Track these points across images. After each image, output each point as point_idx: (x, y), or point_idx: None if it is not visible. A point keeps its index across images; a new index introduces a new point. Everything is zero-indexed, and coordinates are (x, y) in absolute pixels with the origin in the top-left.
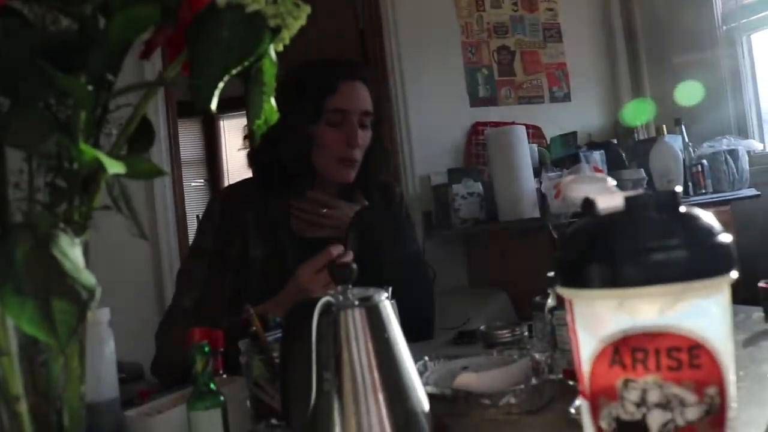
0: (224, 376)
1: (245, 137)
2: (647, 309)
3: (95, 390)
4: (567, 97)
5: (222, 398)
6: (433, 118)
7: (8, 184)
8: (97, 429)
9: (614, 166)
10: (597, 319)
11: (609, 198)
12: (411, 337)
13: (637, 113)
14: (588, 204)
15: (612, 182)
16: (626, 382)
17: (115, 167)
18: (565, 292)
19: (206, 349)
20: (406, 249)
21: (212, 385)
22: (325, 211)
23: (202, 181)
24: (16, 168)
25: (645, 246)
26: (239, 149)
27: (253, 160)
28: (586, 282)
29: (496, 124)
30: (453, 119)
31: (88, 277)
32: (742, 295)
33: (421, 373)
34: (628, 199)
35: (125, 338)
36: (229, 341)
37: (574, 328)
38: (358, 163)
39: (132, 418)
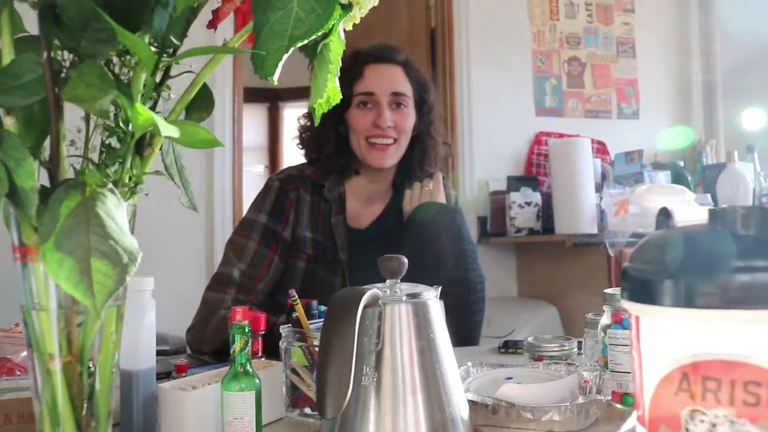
0: (263, 359)
1: (298, 129)
2: (725, 334)
3: (132, 358)
4: (635, 115)
5: (258, 381)
6: (496, 123)
7: (64, 139)
8: (130, 396)
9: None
10: (666, 339)
11: (688, 210)
12: (456, 340)
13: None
14: (665, 215)
15: (691, 195)
16: (693, 414)
17: (168, 130)
18: (632, 307)
19: (246, 329)
20: (461, 249)
21: (249, 367)
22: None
23: (262, 167)
24: (74, 126)
25: (729, 264)
26: (293, 138)
27: (302, 143)
28: (657, 298)
29: (560, 136)
30: (517, 127)
31: (131, 241)
32: None
33: (463, 379)
34: (712, 212)
35: (173, 312)
36: (271, 325)
37: (638, 347)
38: (395, 149)
39: (165, 391)
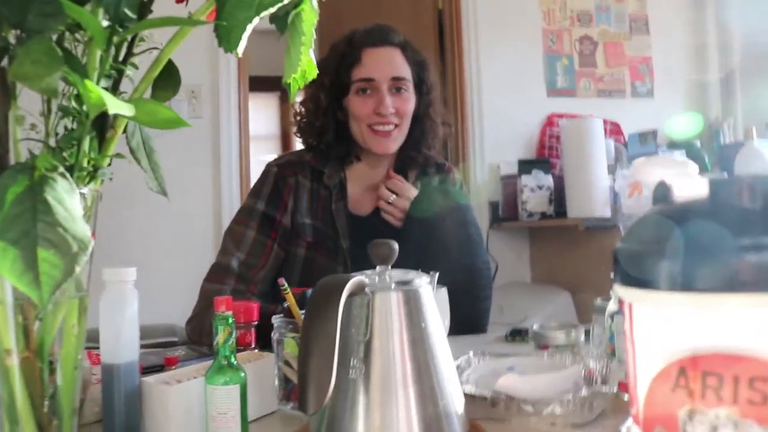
0: (255, 350)
1: (293, 115)
2: (729, 323)
3: (113, 351)
4: (650, 93)
5: (243, 374)
6: (507, 105)
7: (20, 122)
8: (111, 391)
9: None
10: (662, 329)
11: (688, 183)
12: (463, 328)
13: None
14: (663, 189)
15: (694, 168)
16: (691, 413)
17: (118, 108)
18: (625, 293)
19: (230, 320)
20: (466, 234)
21: (233, 360)
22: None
23: (274, 156)
24: (40, 110)
25: (733, 242)
26: (291, 122)
27: (299, 131)
28: (652, 282)
29: (573, 117)
30: (527, 108)
31: (82, 229)
32: None
33: (462, 369)
34: (713, 183)
35: (180, 303)
36: (265, 315)
37: (631, 338)
38: (398, 133)
39: (148, 385)
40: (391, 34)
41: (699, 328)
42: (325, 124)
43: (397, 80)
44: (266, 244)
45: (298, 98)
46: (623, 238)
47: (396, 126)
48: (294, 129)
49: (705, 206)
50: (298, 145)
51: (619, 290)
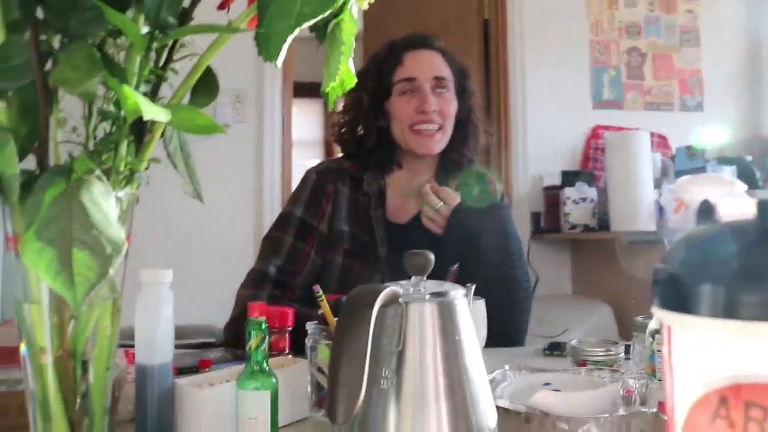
0: (290, 356)
1: (333, 125)
2: None
3: (147, 352)
4: (699, 107)
5: (274, 380)
6: (551, 116)
7: (56, 124)
8: (144, 392)
9: (746, 185)
10: (702, 355)
11: (734, 203)
12: (500, 341)
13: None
14: (707, 208)
15: (741, 187)
16: None
17: (153, 113)
18: (664, 316)
19: (263, 326)
20: (506, 246)
21: (265, 365)
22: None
23: (316, 161)
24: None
25: None
26: (331, 132)
27: (339, 139)
28: (692, 306)
29: (619, 129)
30: (573, 120)
31: (116, 232)
32: None
33: (498, 383)
34: (761, 204)
35: (219, 305)
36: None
37: (670, 363)
38: (441, 135)
39: (181, 387)
40: (431, 38)
41: (742, 356)
42: (367, 130)
43: (439, 80)
44: (304, 251)
45: (338, 108)
46: (663, 258)
47: (439, 128)
48: (334, 138)
49: (751, 228)
50: (340, 151)
51: (658, 313)
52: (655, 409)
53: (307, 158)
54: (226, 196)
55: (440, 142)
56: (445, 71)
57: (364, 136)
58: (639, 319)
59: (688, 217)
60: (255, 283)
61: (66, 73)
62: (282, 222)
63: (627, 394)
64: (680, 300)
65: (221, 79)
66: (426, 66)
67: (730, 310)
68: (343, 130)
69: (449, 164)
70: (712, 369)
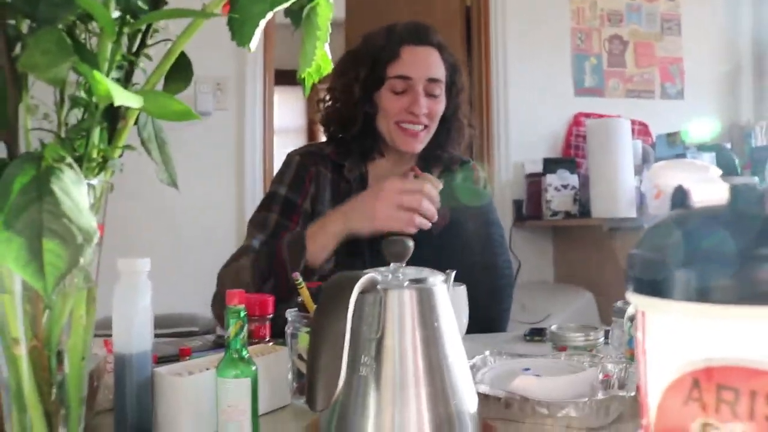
0: (270, 343)
1: (317, 102)
2: (746, 335)
3: (125, 342)
4: (680, 95)
5: (254, 368)
6: (533, 103)
7: (26, 111)
8: (123, 381)
9: (725, 172)
10: (675, 338)
11: (709, 188)
12: (482, 328)
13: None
14: (681, 194)
15: (716, 171)
16: (705, 427)
17: (124, 99)
18: (637, 300)
19: (242, 314)
20: (488, 233)
21: (245, 353)
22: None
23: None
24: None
25: (752, 252)
26: (315, 109)
27: (325, 120)
28: (665, 290)
29: (600, 117)
30: (554, 107)
31: (88, 220)
32: None
33: (478, 368)
34: (734, 189)
35: (202, 293)
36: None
37: (643, 347)
38: (425, 134)
39: (160, 376)
40: (430, 33)
41: (714, 339)
42: (354, 116)
43: (432, 81)
44: (288, 228)
45: (324, 84)
46: (637, 243)
47: (425, 127)
48: (318, 116)
49: (723, 213)
50: (323, 137)
51: (632, 298)
52: (633, 393)
53: (289, 146)
54: (208, 184)
55: (423, 141)
56: (440, 71)
57: (350, 122)
58: (618, 304)
59: (667, 204)
60: (237, 256)
61: (35, 59)
62: (267, 201)
63: (606, 379)
64: (653, 285)
65: (202, 67)
66: (422, 66)
67: (702, 294)
68: (329, 111)
69: (430, 158)
70: (685, 353)
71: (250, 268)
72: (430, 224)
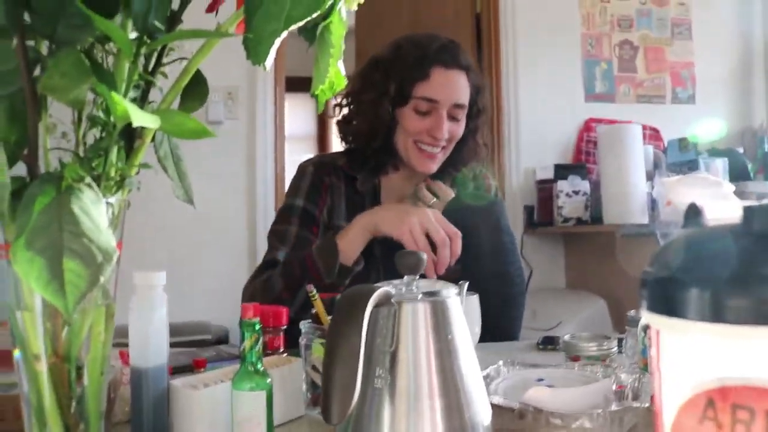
0: (284, 354)
1: (335, 106)
2: (762, 356)
3: (142, 355)
4: (691, 100)
5: (269, 381)
6: (544, 109)
7: (46, 131)
8: (140, 394)
9: (737, 177)
10: (690, 358)
11: (722, 206)
12: (494, 336)
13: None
14: (694, 211)
15: (729, 188)
16: None
17: (142, 119)
18: (652, 319)
19: (257, 327)
20: (500, 241)
21: (260, 366)
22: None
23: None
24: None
25: (767, 272)
26: (330, 115)
27: (342, 133)
28: (680, 310)
29: (611, 122)
30: (565, 113)
31: (107, 240)
32: None
33: (492, 379)
34: (747, 210)
35: (214, 302)
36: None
37: (658, 365)
38: (442, 155)
39: (176, 388)
40: (461, 55)
41: (729, 359)
42: (377, 131)
43: (457, 107)
44: (309, 239)
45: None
46: (651, 262)
47: (442, 149)
48: (335, 121)
49: (738, 233)
50: (335, 145)
51: (647, 316)
52: (647, 404)
53: (300, 153)
54: (220, 193)
55: (439, 162)
56: (465, 96)
57: (372, 138)
58: (631, 313)
59: (679, 210)
60: (261, 270)
61: (55, 81)
62: (285, 214)
63: (619, 390)
64: (668, 304)
65: (213, 76)
66: (450, 90)
67: (717, 314)
68: (347, 120)
69: (444, 175)
70: (700, 372)
71: (280, 278)
72: (435, 276)
